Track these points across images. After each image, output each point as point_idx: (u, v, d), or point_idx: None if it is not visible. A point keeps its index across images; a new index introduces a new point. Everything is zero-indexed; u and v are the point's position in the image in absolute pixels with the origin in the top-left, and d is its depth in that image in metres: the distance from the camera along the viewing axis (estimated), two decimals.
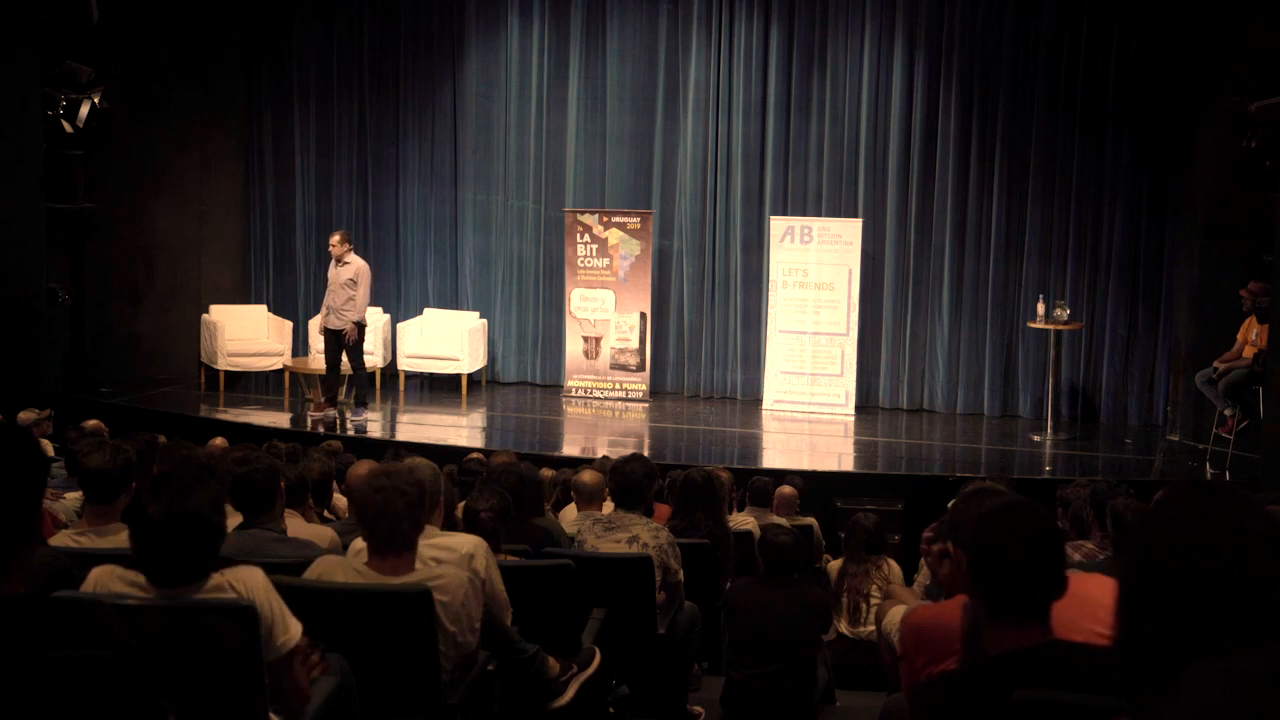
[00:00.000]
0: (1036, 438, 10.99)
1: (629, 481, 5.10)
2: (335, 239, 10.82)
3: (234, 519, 4.20)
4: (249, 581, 3.00)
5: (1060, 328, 10.82)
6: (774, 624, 4.84)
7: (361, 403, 11.03)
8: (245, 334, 12.54)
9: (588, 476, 5.71)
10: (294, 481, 4.94)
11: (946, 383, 12.06)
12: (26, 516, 2.04)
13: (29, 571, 2.07)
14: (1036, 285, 11.64)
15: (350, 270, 10.66)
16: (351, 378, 11.00)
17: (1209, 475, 9.51)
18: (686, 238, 12.49)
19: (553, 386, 12.76)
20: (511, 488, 4.86)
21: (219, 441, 7.35)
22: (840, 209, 12.14)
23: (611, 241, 12.18)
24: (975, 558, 2.27)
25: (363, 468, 4.94)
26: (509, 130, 12.83)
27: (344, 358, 10.84)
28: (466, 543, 3.86)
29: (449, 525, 4.22)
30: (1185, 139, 11.02)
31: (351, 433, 10.83)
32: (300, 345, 12.85)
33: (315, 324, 11.50)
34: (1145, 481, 8.73)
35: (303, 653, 3.13)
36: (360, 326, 10.68)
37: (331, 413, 10.96)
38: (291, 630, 3.05)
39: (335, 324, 10.67)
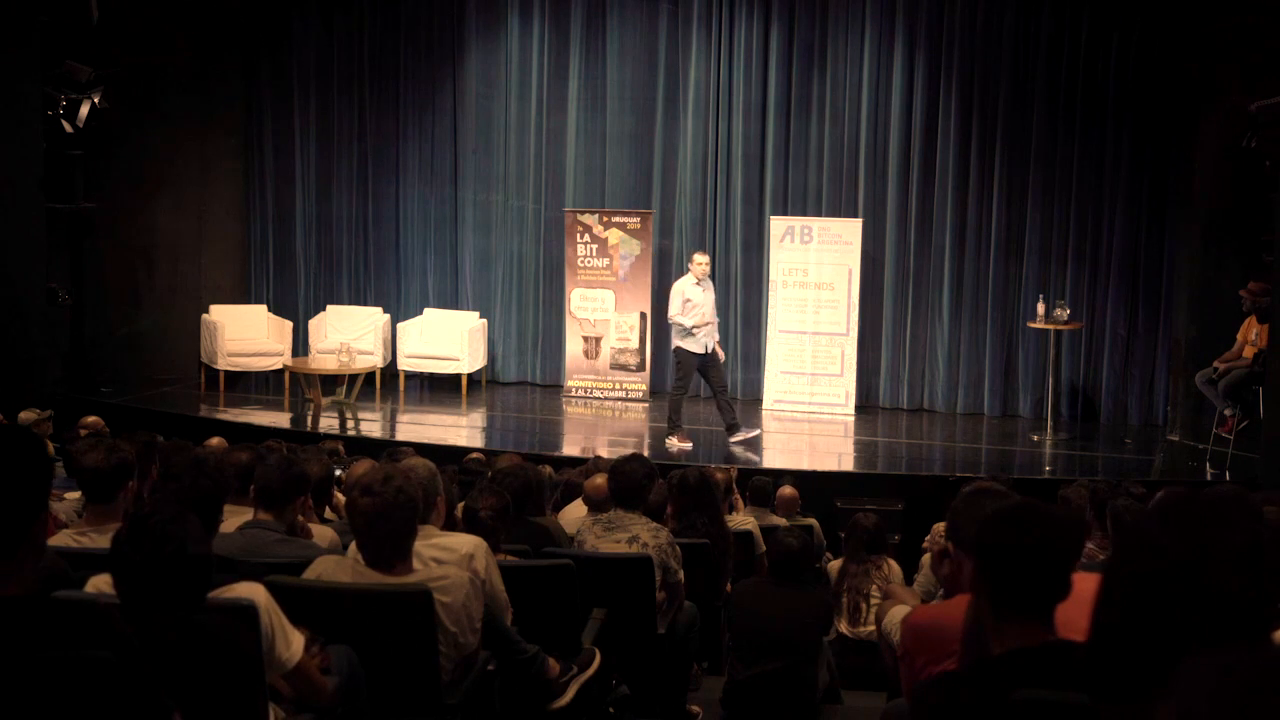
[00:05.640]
0: (1036, 438, 10.99)
1: (629, 481, 5.09)
2: (708, 259, 10.60)
3: (238, 517, 4.20)
4: (251, 599, 3.01)
5: (1060, 328, 10.81)
6: (777, 624, 4.84)
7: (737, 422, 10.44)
8: (245, 334, 12.53)
9: (600, 481, 5.65)
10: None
11: (946, 383, 12.05)
12: (28, 519, 2.03)
13: (29, 574, 2.06)
14: (1036, 285, 11.63)
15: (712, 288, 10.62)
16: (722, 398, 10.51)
17: (1209, 475, 9.51)
18: (686, 238, 12.47)
19: (553, 386, 12.75)
20: (512, 488, 4.86)
21: (215, 441, 7.30)
22: (840, 209, 12.13)
23: (611, 241, 12.17)
24: (982, 557, 2.27)
25: (361, 468, 4.94)
26: (509, 130, 12.82)
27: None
28: (466, 543, 3.87)
29: (449, 525, 4.21)
30: (1185, 139, 11.00)
31: (353, 432, 10.83)
32: (300, 345, 12.84)
33: (703, 338, 10.33)
34: (1146, 481, 8.72)
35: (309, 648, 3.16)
36: None
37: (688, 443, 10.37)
38: (294, 646, 3.06)
39: (710, 343, 10.42)
